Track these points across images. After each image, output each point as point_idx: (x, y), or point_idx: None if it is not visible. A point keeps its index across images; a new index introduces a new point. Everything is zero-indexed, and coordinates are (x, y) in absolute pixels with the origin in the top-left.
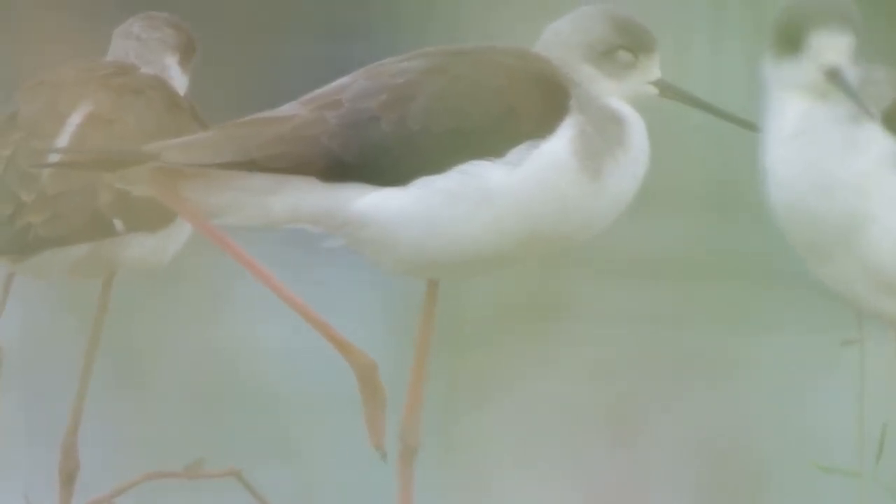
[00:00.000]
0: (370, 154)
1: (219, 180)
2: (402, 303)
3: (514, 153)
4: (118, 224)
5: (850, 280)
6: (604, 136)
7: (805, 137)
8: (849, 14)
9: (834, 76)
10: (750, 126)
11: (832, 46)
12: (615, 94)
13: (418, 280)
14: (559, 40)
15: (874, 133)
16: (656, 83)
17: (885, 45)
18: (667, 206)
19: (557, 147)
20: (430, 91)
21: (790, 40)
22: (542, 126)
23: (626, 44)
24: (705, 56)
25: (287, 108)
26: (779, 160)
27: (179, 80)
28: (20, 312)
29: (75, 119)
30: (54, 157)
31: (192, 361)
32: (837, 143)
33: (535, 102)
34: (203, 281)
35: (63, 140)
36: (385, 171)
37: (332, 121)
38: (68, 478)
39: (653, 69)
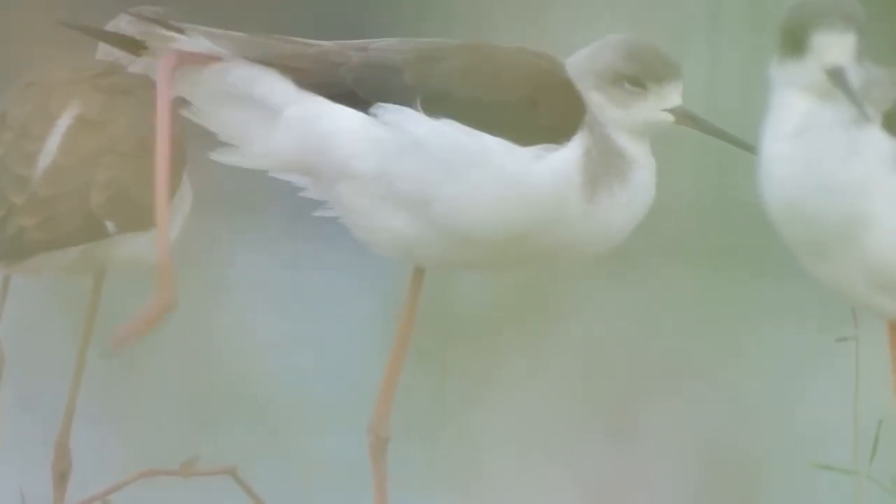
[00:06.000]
0: (384, 97)
1: (232, 75)
2: (396, 297)
3: (532, 150)
4: (110, 226)
5: (848, 279)
6: (605, 163)
7: (806, 137)
8: (852, 13)
9: (836, 76)
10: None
11: (835, 46)
12: (623, 122)
13: (407, 265)
14: (576, 65)
15: (875, 134)
16: (673, 111)
17: (886, 46)
18: (662, 205)
19: (569, 158)
20: (457, 59)
21: (794, 41)
22: (559, 130)
23: (634, 73)
24: (703, 57)
25: (320, 42)
26: (778, 158)
27: None
28: (11, 311)
29: (65, 121)
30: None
31: (186, 359)
32: (838, 143)
33: (556, 104)
34: (195, 278)
35: (53, 142)
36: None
37: (354, 58)
38: (61, 477)
39: (669, 97)
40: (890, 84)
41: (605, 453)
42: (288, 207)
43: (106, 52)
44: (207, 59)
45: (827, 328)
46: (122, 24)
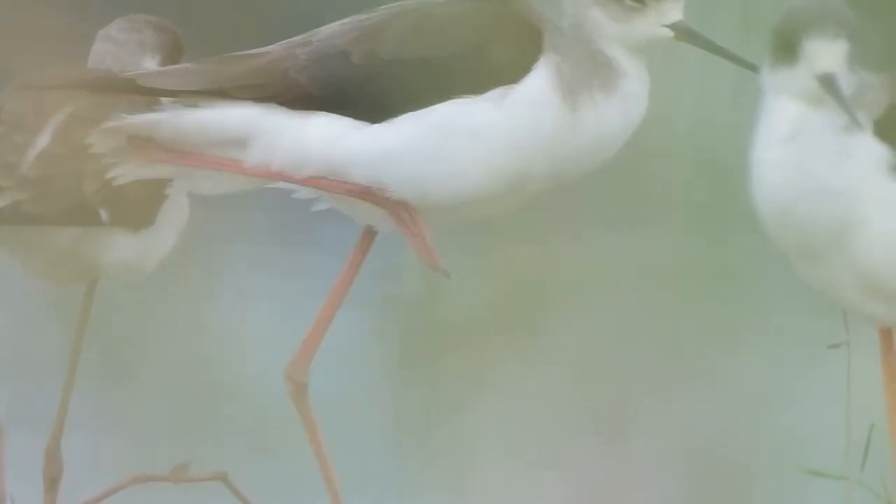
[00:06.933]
0: (339, 87)
1: (191, 129)
2: (389, 304)
3: (493, 93)
4: (104, 214)
5: (839, 283)
6: (582, 75)
7: (797, 142)
8: (844, 20)
9: (827, 82)
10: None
11: (827, 53)
12: (622, 38)
13: (392, 263)
14: None
15: (866, 140)
16: (672, 26)
17: (879, 50)
18: (653, 212)
19: (535, 84)
20: (400, 25)
21: (786, 48)
22: (516, 66)
23: None
24: (694, 63)
25: (266, 48)
26: (770, 163)
27: None
28: (4, 316)
29: (58, 117)
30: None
31: (178, 364)
32: (830, 148)
33: (508, 42)
34: (187, 282)
35: (45, 135)
36: (358, 104)
37: (301, 56)
38: (52, 482)
39: (668, 13)
40: (881, 90)
41: (597, 457)
42: (279, 213)
43: (98, 60)
44: (180, 157)
45: (819, 334)
46: (114, 31)
